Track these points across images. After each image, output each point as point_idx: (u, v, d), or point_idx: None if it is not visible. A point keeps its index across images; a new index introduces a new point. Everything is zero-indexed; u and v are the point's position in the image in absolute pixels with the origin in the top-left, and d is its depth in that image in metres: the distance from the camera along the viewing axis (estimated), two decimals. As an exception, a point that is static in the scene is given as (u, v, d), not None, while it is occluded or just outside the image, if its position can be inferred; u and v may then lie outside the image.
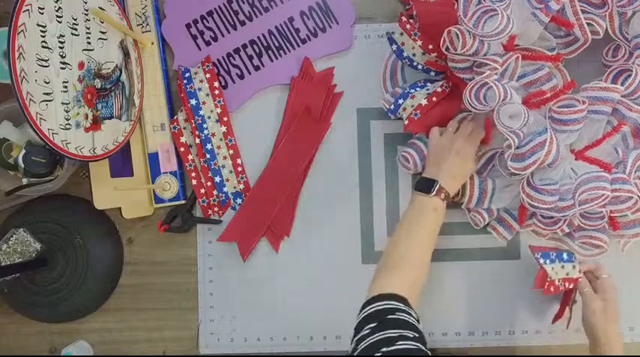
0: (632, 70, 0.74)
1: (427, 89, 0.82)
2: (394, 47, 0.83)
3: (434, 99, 0.81)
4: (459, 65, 0.78)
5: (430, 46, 0.80)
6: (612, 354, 0.74)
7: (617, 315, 0.78)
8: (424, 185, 0.78)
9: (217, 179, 0.89)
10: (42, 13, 0.68)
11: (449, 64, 0.79)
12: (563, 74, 0.81)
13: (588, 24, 0.76)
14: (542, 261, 0.80)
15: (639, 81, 0.74)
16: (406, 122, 0.83)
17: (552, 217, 0.78)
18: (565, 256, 0.82)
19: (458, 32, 0.74)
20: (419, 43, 0.80)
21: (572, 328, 0.87)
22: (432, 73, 0.84)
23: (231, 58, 0.89)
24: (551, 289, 0.79)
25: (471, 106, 0.75)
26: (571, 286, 0.81)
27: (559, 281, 0.80)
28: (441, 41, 0.77)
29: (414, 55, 0.82)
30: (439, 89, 0.82)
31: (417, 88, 0.83)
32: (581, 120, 0.74)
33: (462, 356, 0.89)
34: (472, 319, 0.89)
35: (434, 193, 0.76)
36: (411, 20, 0.82)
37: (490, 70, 0.74)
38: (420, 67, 0.83)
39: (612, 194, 0.73)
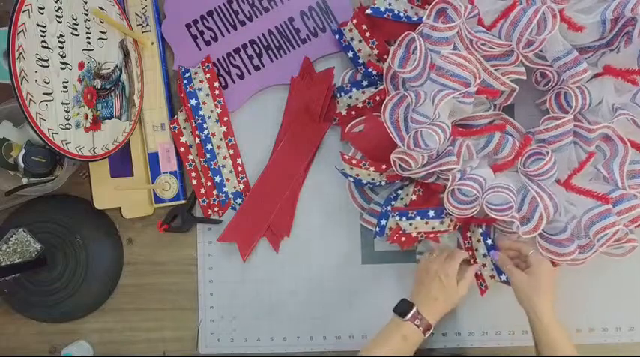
0: (568, 92, 0.76)
1: (402, 199, 0.84)
2: (342, 41, 0.85)
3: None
4: (419, 176, 0.79)
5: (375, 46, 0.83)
6: (543, 328, 0.73)
7: (545, 287, 0.75)
8: (401, 308, 0.76)
9: (217, 179, 0.89)
10: (42, 13, 0.68)
11: (411, 176, 0.80)
12: (513, 126, 0.83)
13: (508, 77, 0.76)
14: (397, 218, 0.81)
15: (581, 99, 0.76)
16: (397, 241, 0.84)
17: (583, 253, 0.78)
18: (431, 213, 0.81)
19: (404, 157, 0.75)
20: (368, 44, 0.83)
21: (572, 328, 0.88)
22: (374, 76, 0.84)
23: (231, 58, 0.89)
24: (403, 239, 0.82)
25: (453, 208, 0.78)
26: (437, 237, 0.83)
27: (418, 234, 0.82)
28: (393, 165, 0.78)
29: (359, 51, 0.84)
30: (414, 197, 0.83)
31: (393, 202, 0.84)
32: (553, 166, 0.76)
33: (462, 356, 0.89)
34: (472, 319, 0.89)
35: (408, 317, 0.75)
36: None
37: (450, 170, 0.76)
38: (363, 64, 0.84)
39: (621, 218, 0.73)
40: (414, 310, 0.75)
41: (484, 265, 0.83)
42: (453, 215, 0.79)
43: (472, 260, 0.84)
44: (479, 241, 0.83)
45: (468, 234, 0.84)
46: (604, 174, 0.76)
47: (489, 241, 0.82)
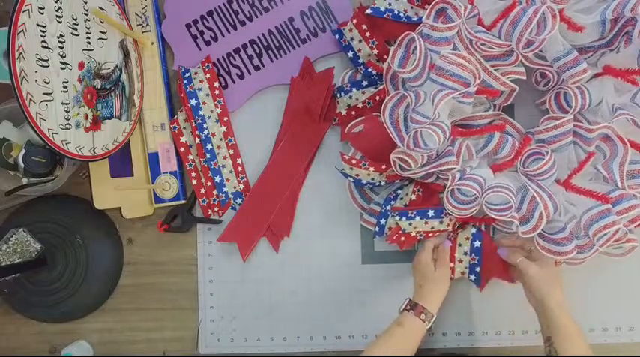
0: (567, 92, 0.76)
1: (402, 199, 0.84)
2: (342, 41, 0.85)
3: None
4: (418, 176, 0.79)
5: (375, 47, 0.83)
6: (564, 316, 0.73)
7: (559, 277, 0.77)
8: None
9: (217, 179, 0.89)
10: (42, 13, 0.68)
11: (411, 176, 0.80)
12: (513, 126, 0.83)
13: (508, 77, 0.76)
14: (397, 218, 0.82)
15: (581, 99, 0.76)
16: (396, 241, 0.84)
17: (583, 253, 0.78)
18: (431, 213, 0.81)
19: (404, 157, 0.75)
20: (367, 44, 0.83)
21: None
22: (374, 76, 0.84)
23: (231, 58, 0.89)
24: (402, 238, 0.82)
25: (453, 208, 0.78)
26: (436, 236, 0.83)
27: (417, 234, 0.82)
28: (392, 165, 0.78)
29: (359, 51, 0.84)
30: (413, 197, 0.83)
31: (392, 202, 0.84)
32: (553, 166, 0.76)
33: (462, 356, 0.89)
34: (472, 319, 0.89)
35: (401, 309, 0.78)
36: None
37: (450, 170, 0.76)
38: (363, 64, 0.85)
39: (621, 218, 0.73)
40: (406, 301, 0.78)
41: (460, 262, 0.84)
42: (452, 215, 0.79)
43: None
44: (467, 238, 0.83)
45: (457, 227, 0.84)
46: (604, 174, 0.76)
47: (477, 243, 0.82)
